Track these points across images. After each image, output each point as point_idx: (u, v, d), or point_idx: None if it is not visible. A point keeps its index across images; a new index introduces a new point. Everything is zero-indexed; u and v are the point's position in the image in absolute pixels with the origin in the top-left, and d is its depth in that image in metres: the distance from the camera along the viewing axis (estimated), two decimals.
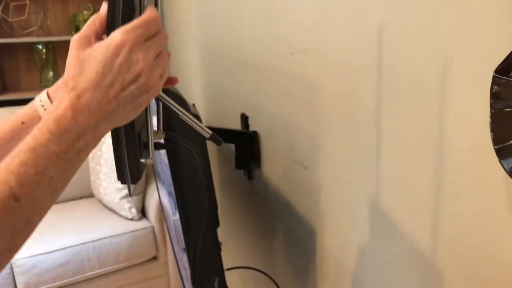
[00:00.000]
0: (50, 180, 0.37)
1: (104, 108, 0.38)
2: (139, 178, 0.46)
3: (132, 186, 0.46)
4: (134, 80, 0.38)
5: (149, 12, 0.39)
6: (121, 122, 0.40)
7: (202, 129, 0.49)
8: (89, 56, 0.37)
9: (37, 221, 0.39)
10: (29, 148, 0.36)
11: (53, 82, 2.52)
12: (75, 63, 0.38)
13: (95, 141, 0.39)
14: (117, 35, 0.37)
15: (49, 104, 0.50)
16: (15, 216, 0.36)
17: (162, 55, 0.40)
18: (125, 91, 0.38)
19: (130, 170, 0.44)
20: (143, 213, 2.00)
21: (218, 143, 0.48)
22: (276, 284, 1.06)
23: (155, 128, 0.52)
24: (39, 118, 0.50)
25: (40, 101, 0.51)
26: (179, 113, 0.48)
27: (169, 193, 1.02)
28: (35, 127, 0.37)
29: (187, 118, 0.49)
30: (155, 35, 0.39)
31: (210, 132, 0.48)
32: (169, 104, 0.48)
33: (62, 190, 0.39)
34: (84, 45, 0.38)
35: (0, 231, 0.35)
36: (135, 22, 0.38)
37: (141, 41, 0.38)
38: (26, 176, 0.36)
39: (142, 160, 0.44)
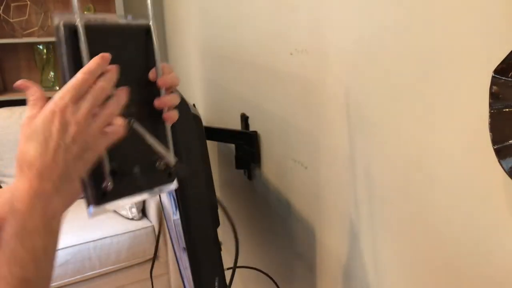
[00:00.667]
0: (44, 254, 0.41)
1: (56, 172, 0.40)
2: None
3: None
4: (74, 141, 0.40)
5: (80, 73, 0.41)
6: (79, 177, 0.43)
7: (167, 157, 0.48)
8: (32, 130, 0.40)
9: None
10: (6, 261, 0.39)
11: (53, 82, 2.53)
12: (23, 141, 0.40)
13: (66, 201, 0.43)
14: (50, 103, 0.41)
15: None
16: None
17: (103, 107, 0.43)
18: (68, 153, 0.40)
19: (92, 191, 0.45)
20: (143, 212, 2.00)
21: (182, 173, 0.48)
22: (276, 284, 1.06)
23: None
24: None
25: None
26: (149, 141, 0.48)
27: (169, 193, 1.02)
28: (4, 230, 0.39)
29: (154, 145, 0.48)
30: (88, 91, 0.42)
31: (174, 161, 0.49)
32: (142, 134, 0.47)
33: (56, 246, 0.44)
34: (29, 123, 0.41)
35: None
36: (65, 86, 0.41)
37: (70, 104, 0.40)
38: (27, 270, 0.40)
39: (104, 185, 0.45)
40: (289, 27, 0.85)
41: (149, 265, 1.93)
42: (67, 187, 0.41)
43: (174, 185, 0.52)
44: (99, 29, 0.44)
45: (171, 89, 0.50)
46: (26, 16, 2.44)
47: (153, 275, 1.94)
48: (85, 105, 0.41)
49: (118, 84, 0.45)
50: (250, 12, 1.04)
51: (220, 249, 0.89)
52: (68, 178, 0.41)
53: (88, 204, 0.45)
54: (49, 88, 2.50)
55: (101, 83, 0.42)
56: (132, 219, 1.93)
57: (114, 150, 0.45)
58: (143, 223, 1.92)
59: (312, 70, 0.79)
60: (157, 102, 0.48)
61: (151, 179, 0.49)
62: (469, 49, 0.47)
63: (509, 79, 0.39)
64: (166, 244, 1.95)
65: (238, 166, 1.21)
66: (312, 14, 0.76)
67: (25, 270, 0.39)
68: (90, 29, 0.43)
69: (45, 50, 2.48)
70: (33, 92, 0.45)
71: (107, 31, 0.46)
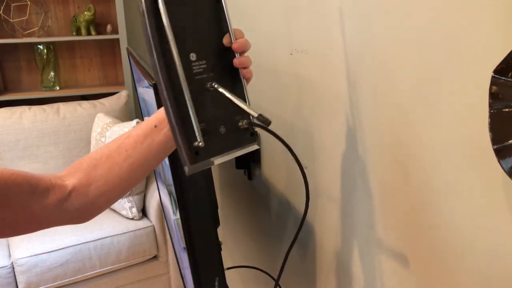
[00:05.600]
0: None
1: None
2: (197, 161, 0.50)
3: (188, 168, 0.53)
4: None
5: None
6: None
7: (249, 111, 0.52)
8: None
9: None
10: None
11: (53, 82, 2.53)
12: None
13: None
14: None
15: None
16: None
17: None
18: None
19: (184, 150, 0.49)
20: (143, 212, 2.00)
21: (266, 123, 0.50)
22: (277, 282, 1.06)
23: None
24: None
25: None
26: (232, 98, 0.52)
27: (170, 193, 1.03)
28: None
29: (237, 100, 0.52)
30: None
31: (257, 112, 0.52)
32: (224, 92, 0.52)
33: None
34: None
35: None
36: None
37: None
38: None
39: (195, 143, 0.49)
40: (289, 27, 0.85)
41: (149, 265, 1.93)
42: None
43: (256, 145, 0.56)
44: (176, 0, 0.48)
45: (244, 53, 0.54)
46: (26, 16, 2.44)
47: (153, 275, 1.95)
48: None
49: (198, 50, 0.49)
50: (250, 13, 1.04)
51: (220, 249, 0.90)
52: None
53: (184, 163, 0.49)
54: (49, 88, 2.50)
55: None
56: (132, 219, 1.93)
57: (201, 112, 0.49)
58: (143, 223, 1.92)
59: (312, 70, 0.79)
60: (236, 61, 0.53)
61: (235, 138, 0.54)
62: (469, 49, 0.47)
63: (509, 79, 0.39)
64: (166, 244, 1.95)
65: (238, 166, 1.21)
66: (312, 14, 0.76)
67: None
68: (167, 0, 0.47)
69: (45, 50, 2.48)
70: None
71: (183, 1, 0.49)
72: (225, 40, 0.53)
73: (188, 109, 0.48)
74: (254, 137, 0.56)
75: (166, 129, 0.57)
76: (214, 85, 0.51)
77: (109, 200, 0.60)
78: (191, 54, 0.49)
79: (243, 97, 0.55)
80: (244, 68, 0.54)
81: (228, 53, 0.53)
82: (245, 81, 0.55)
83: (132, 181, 0.60)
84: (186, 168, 0.49)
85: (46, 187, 0.54)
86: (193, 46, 0.50)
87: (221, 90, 0.51)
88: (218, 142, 0.52)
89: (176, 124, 0.48)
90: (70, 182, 0.56)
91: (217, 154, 0.52)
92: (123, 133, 0.61)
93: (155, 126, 0.58)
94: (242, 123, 0.54)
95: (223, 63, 0.53)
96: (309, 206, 0.89)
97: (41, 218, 0.54)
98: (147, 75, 0.80)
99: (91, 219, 0.60)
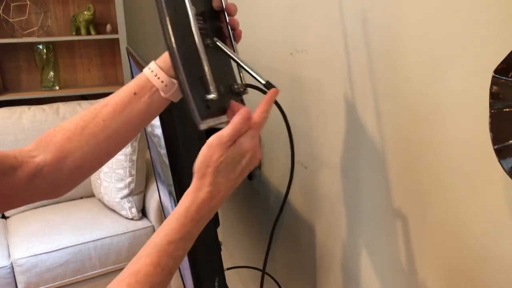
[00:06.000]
0: (186, 252, 0.50)
1: (230, 191, 0.51)
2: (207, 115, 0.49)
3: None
4: (251, 168, 0.52)
5: (241, 118, 0.49)
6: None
7: (258, 75, 0.52)
8: (227, 157, 0.49)
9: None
10: (179, 238, 0.48)
11: (53, 82, 2.53)
12: (215, 159, 0.48)
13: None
14: (245, 143, 0.49)
15: (162, 73, 0.56)
16: (168, 284, 0.49)
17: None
18: (245, 173, 0.52)
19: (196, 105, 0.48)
20: (143, 212, 2.00)
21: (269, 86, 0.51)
22: (277, 283, 1.06)
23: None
24: (151, 87, 0.56)
25: (152, 71, 0.56)
26: (239, 61, 0.53)
27: (170, 193, 1.03)
28: (177, 213, 0.48)
29: (245, 66, 0.53)
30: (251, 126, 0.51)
31: (265, 80, 0.52)
32: (229, 54, 0.52)
33: None
34: (227, 144, 0.49)
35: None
36: (258, 127, 0.51)
37: (257, 140, 0.51)
38: (178, 257, 0.49)
39: (210, 96, 0.48)
40: (289, 27, 0.85)
41: None
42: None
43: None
44: None
45: (233, 15, 0.57)
46: (26, 16, 2.44)
47: None
48: (256, 135, 0.51)
49: (195, 5, 0.49)
50: (250, 13, 1.04)
51: (220, 249, 0.89)
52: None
53: (195, 119, 0.49)
54: (48, 88, 2.50)
55: (262, 122, 0.52)
56: (132, 219, 1.93)
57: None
58: (143, 223, 1.92)
59: (312, 70, 0.79)
60: (231, 20, 0.56)
61: (229, 101, 0.53)
62: (469, 49, 0.47)
63: (509, 79, 0.39)
64: None
65: None
66: (312, 14, 0.76)
67: (174, 265, 0.49)
68: None
69: (45, 50, 2.48)
70: (243, 113, 0.50)
71: None
72: (215, 3, 0.53)
73: (197, 60, 0.46)
74: (243, 104, 0.55)
75: (146, 96, 0.54)
76: (215, 40, 0.50)
77: (86, 173, 0.57)
78: (192, 7, 0.48)
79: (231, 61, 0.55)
80: (234, 29, 0.56)
81: (215, 17, 0.53)
82: (235, 44, 0.56)
83: (110, 152, 0.57)
84: (198, 124, 0.48)
85: (10, 165, 0.50)
86: (192, 0, 0.49)
87: (222, 46, 0.51)
88: (221, 100, 0.50)
89: (187, 76, 0.46)
90: (41, 157, 0.53)
91: (222, 113, 0.51)
92: (98, 102, 0.57)
93: (135, 94, 0.55)
94: (238, 86, 0.53)
95: (212, 26, 0.53)
96: (310, 207, 0.89)
97: (10, 197, 0.51)
98: None
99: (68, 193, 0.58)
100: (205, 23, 0.51)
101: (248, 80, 0.56)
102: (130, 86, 0.56)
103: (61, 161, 0.53)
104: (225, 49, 0.51)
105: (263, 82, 0.50)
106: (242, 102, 0.55)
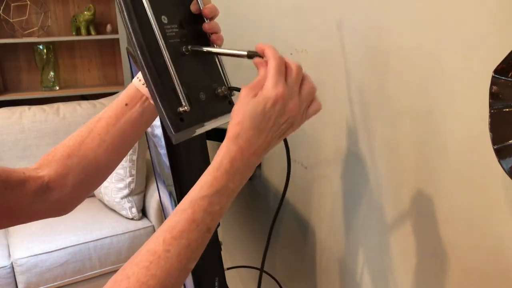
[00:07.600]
0: (224, 210, 0.46)
1: (263, 147, 0.45)
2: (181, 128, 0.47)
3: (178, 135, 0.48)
4: (284, 122, 0.46)
5: (273, 58, 0.46)
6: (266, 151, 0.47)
7: (238, 53, 0.51)
8: (252, 108, 0.45)
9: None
10: (214, 191, 0.44)
11: (53, 82, 2.53)
12: (245, 113, 0.45)
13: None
14: (272, 91, 0.45)
15: None
16: (206, 243, 0.45)
17: (304, 88, 0.47)
18: (277, 133, 0.46)
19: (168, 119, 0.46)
20: (143, 212, 2.00)
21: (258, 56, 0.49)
22: (277, 282, 1.06)
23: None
24: (141, 96, 0.56)
25: (140, 80, 0.56)
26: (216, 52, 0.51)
27: (170, 193, 1.03)
28: (211, 167, 0.45)
29: (222, 52, 0.51)
30: (288, 73, 0.46)
31: (245, 51, 0.50)
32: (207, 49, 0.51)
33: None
34: (251, 93, 0.46)
35: (197, 255, 0.44)
36: (272, 71, 0.45)
37: (291, 91, 0.45)
38: (215, 213, 0.44)
39: (180, 109, 0.47)
40: (289, 27, 0.85)
41: None
42: (255, 160, 0.46)
43: None
44: None
45: (213, 18, 0.54)
46: (26, 16, 2.44)
47: None
48: (295, 87, 0.46)
49: (168, 14, 0.47)
50: (250, 13, 1.04)
51: (220, 249, 0.90)
52: (267, 151, 0.47)
53: (169, 132, 0.47)
54: (48, 88, 2.50)
55: (296, 64, 0.47)
56: (132, 219, 1.93)
57: (180, 77, 0.47)
58: (143, 223, 1.92)
59: (312, 70, 0.79)
60: (206, 26, 0.52)
61: (214, 107, 0.52)
62: (469, 49, 0.47)
63: (509, 79, 0.39)
64: None
65: None
66: (312, 14, 0.76)
67: (212, 222, 0.45)
68: None
69: (45, 50, 2.48)
70: (271, 52, 0.47)
71: None
72: (193, 7, 0.52)
73: (167, 73, 0.46)
74: (232, 106, 0.52)
75: (137, 105, 0.55)
76: (190, 47, 0.49)
77: (89, 188, 0.58)
78: (163, 17, 0.47)
79: (215, 65, 0.53)
80: (214, 33, 0.53)
81: (196, 21, 0.52)
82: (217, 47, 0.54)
83: (110, 165, 0.57)
84: (172, 137, 0.46)
85: (19, 179, 0.52)
86: (164, 8, 0.47)
87: (198, 48, 0.49)
88: (200, 109, 0.49)
89: (157, 90, 0.45)
90: (46, 173, 0.54)
91: (201, 122, 0.49)
92: (94, 116, 0.58)
93: (126, 104, 0.55)
94: (221, 90, 0.52)
95: (193, 31, 0.51)
96: (310, 207, 0.89)
97: (19, 212, 0.53)
98: None
99: (73, 209, 0.58)
100: (183, 29, 0.49)
101: (238, 80, 0.56)
102: (121, 98, 0.57)
103: (64, 177, 0.55)
104: (200, 48, 0.50)
105: (244, 53, 0.48)
106: (230, 104, 0.54)
